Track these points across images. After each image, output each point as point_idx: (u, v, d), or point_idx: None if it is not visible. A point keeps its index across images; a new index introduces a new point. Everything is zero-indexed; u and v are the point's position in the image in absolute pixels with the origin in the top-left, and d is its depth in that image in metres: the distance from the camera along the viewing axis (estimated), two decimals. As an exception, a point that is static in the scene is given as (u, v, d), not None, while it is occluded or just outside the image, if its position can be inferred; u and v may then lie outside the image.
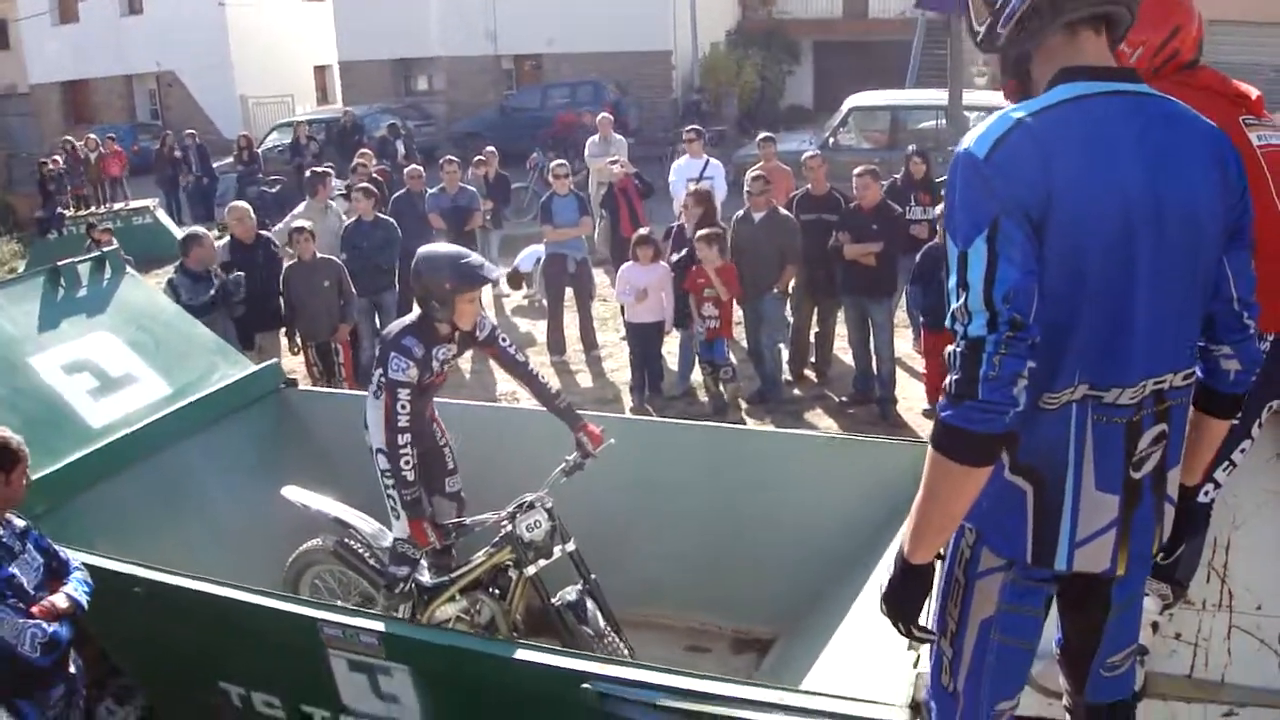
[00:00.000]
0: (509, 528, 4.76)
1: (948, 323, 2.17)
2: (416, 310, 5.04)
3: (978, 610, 2.42)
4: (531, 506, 4.75)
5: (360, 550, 5.22)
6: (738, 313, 9.27)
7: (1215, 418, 2.47)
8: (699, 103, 25.67)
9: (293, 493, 5.36)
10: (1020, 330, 2.06)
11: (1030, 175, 2.09)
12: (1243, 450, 3.13)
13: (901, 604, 2.36)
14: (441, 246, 5.12)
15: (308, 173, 12.19)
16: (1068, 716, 2.74)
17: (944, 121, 16.52)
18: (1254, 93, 3.26)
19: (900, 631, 2.42)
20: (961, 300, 2.12)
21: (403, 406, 4.77)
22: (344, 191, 12.17)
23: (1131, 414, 2.24)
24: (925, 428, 8.66)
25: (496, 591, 4.93)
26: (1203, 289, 2.30)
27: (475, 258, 4.92)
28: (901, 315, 10.03)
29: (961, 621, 2.45)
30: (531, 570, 4.76)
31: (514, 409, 7.40)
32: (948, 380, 2.13)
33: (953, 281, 2.15)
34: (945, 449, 2.14)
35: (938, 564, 2.37)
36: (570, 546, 4.80)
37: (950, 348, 2.15)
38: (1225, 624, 3.32)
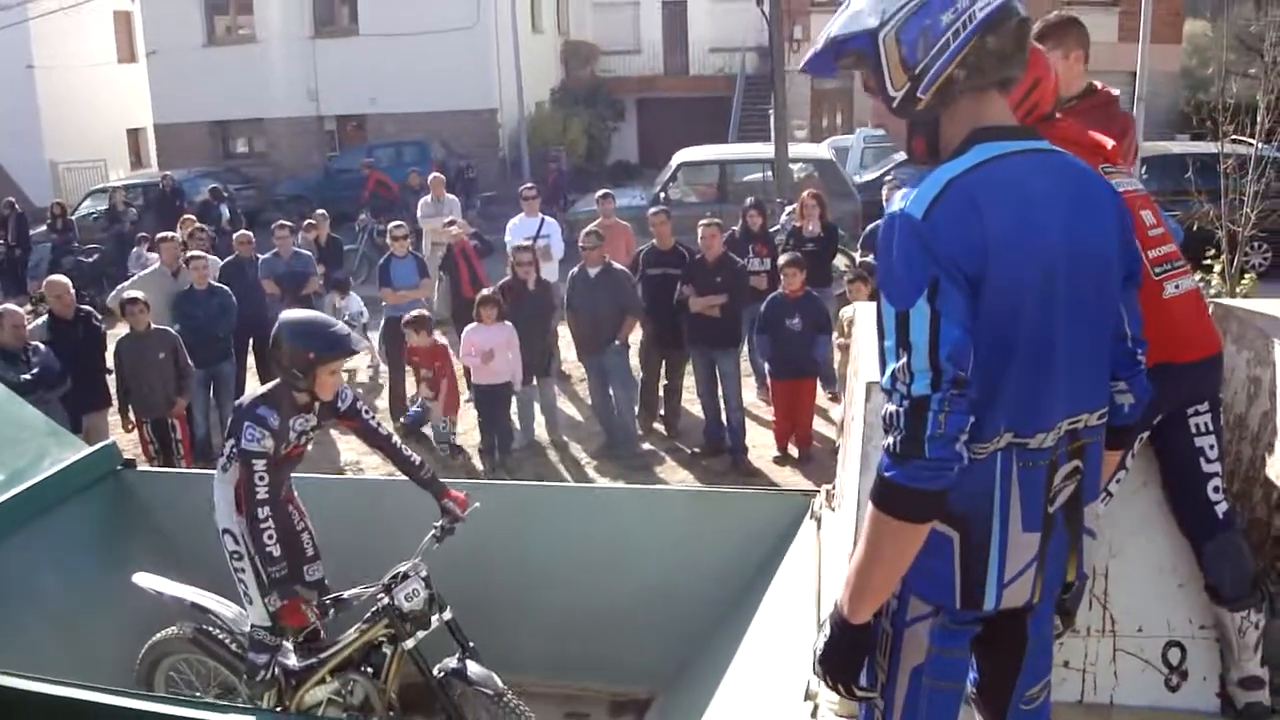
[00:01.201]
0: (385, 600, 4.60)
1: (884, 383, 2.18)
2: (274, 380, 4.85)
3: (908, 659, 2.44)
4: (407, 576, 4.61)
5: (221, 636, 4.97)
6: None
7: (1109, 449, 2.55)
8: (556, 158, 25.56)
9: (144, 579, 5.08)
10: (962, 388, 2.10)
11: (967, 235, 2.14)
12: (1118, 481, 3.28)
13: (841, 665, 2.36)
14: (304, 313, 4.93)
15: (150, 237, 11.69)
16: None
17: (770, 174, 16.93)
18: (1109, 142, 3.44)
19: (840, 693, 2.43)
20: (903, 360, 2.14)
21: (260, 478, 4.54)
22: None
23: (1051, 455, 2.30)
24: (778, 475, 8.81)
25: (370, 670, 4.75)
26: (1109, 331, 2.40)
27: (342, 327, 4.76)
28: (744, 365, 10.18)
29: (891, 672, 2.46)
30: (410, 643, 4.59)
31: (372, 480, 7.21)
32: (890, 440, 2.14)
33: (890, 343, 2.17)
34: (890, 508, 2.16)
35: (872, 621, 2.37)
36: (447, 615, 4.66)
37: (889, 407, 2.16)
38: (1110, 648, 3.44)
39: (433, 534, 4.75)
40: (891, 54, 2.30)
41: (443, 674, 4.58)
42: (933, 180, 2.19)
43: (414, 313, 9.40)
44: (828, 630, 2.37)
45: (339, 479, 7.12)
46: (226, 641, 4.97)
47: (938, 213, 2.15)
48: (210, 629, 4.99)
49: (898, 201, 2.21)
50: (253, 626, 4.79)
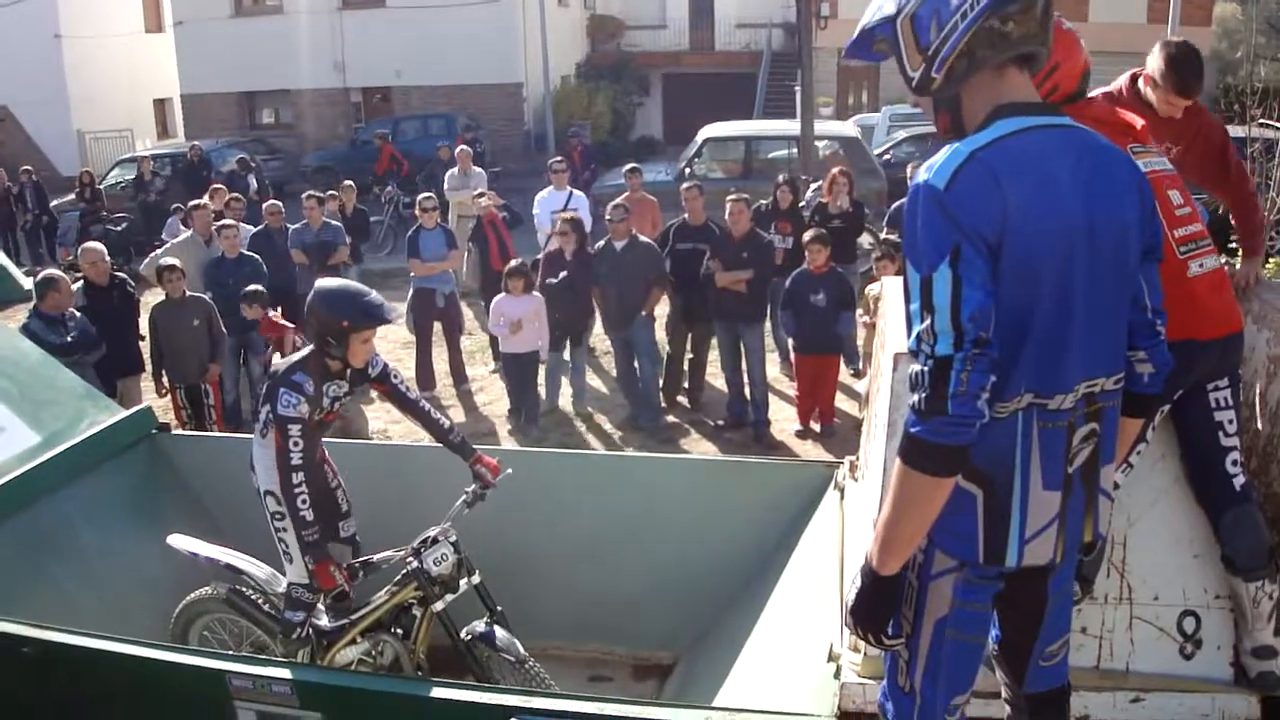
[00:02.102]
0: (414, 564, 4.71)
1: (910, 345, 2.30)
2: (308, 346, 4.95)
3: (932, 611, 2.55)
4: (436, 541, 4.71)
5: (254, 597, 5.09)
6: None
7: (1130, 416, 2.65)
8: (578, 133, 25.39)
9: (179, 541, 5.20)
10: (984, 347, 2.22)
11: (987, 204, 2.25)
12: (1139, 452, 3.36)
13: (870, 615, 2.50)
14: (339, 282, 5.01)
15: (185, 206, 11.78)
16: (1008, 709, 2.88)
17: (795, 151, 16.91)
18: (1138, 122, 3.49)
19: (870, 642, 2.57)
20: (927, 322, 2.26)
21: (295, 444, 4.64)
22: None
23: (1069, 416, 2.41)
24: (800, 449, 8.87)
25: (399, 631, 4.87)
26: (1127, 301, 2.50)
27: (375, 296, 4.84)
28: (768, 340, 10.23)
29: (916, 623, 2.58)
30: (439, 606, 4.70)
31: (403, 446, 7.29)
32: (915, 398, 2.26)
33: (915, 306, 2.30)
34: (916, 462, 2.28)
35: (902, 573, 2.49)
36: (476, 579, 4.77)
37: (914, 367, 2.28)
38: (1127, 616, 3.52)
39: (464, 499, 4.86)
40: (907, 37, 2.44)
41: (470, 637, 4.69)
42: (955, 152, 2.31)
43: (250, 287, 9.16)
44: (858, 582, 2.49)
45: (369, 444, 7.22)
46: (259, 602, 5.08)
47: (959, 183, 2.26)
48: (243, 589, 5.10)
49: (922, 173, 2.33)
50: (290, 584, 4.91)
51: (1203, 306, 3.37)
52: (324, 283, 4.93)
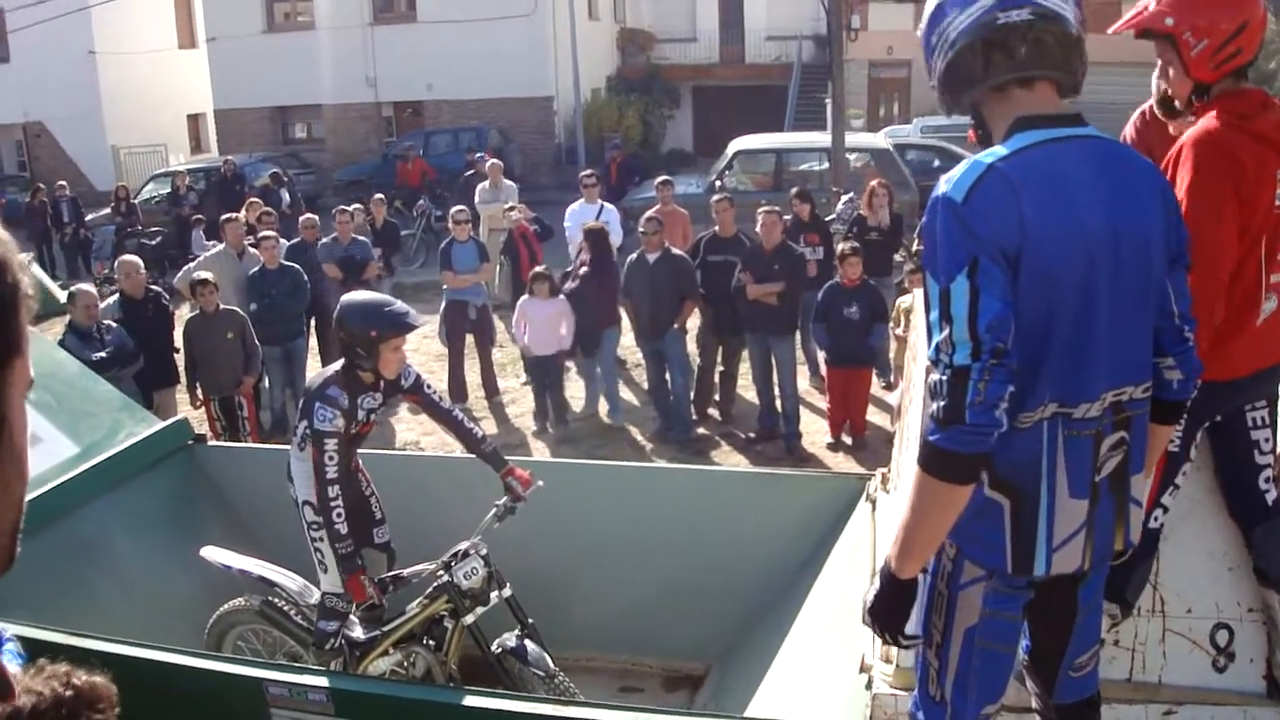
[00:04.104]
0: (445, 577, 4.74)
1: (930, 354, 2.32)
2: (340, 360, 5.00)
3: (962, 619, 2.57)
4: (466, 554, 4.75)
5: (286, 608, 5.15)
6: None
7: (1160, 424, 2.65)
8: (617, 146, 25.26)
9: (212, 553, 5.25)
10: (1002, 358, 2.24)
11: (1005, 217, 2.28)
12: (1184, 474, 3.31)
13: (888, 615, 2.53)
14: (365, 294, 5.09)
15: (220, 219, 11.89)
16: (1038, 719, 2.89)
17: (826, 163, 16.91)
18: None
19: (887, 640, 2.63)
20: (946, 333, 2.28)
21: (330, 458, 4.69)
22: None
23: (1096, 425, 2.42)
24: (831, 461, 8.87)
25: (431, 643, 4.90)
26: (1153, 309, 2.50)
27: (400, 305, 4.89)
28: (798, 353, 10.24)
29: (946, 632, 2.60)
30: (469, 619, 4.74)
31: (436, 457, 7.34)
32: (934, 407, 2.29)
33: (934, 315, 2.32)
34: (934, 470, 2.30)
35: (920, 578, 2.52)
36: (506, 592, 4.80)
37: (934, 376, 2.31)
38: (1160, 628, 3.50)
39: (494, 513, 4.89)
40: (926, 54, 2.54)
41: (500, 650, 4.72)
42: (974, 165, 2.34)
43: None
44: (878, 583, 2.53)
45: (401, 454, 7.27)
46: (292, 614, 5.14)
47: (976, 196, 2.29)
48: (276, 600, 5.15)
49: (941, 185, 2.36)
50: (325, 594, 4.95)
51: (1261, 343, 3.21)
52: (350, 296, 5.00)
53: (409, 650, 4.95)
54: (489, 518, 4.88)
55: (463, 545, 4.78)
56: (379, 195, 14.74)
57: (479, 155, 19.62)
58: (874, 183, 10.98)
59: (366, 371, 4.84)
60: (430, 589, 4.85)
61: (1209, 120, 3.09)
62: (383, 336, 4.72)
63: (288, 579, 5.19)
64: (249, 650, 5.36)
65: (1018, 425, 2.35)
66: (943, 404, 2.27)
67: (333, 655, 4.95)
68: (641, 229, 9.42)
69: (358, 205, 13.88)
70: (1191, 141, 3.04)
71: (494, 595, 4.78)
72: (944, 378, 2.28)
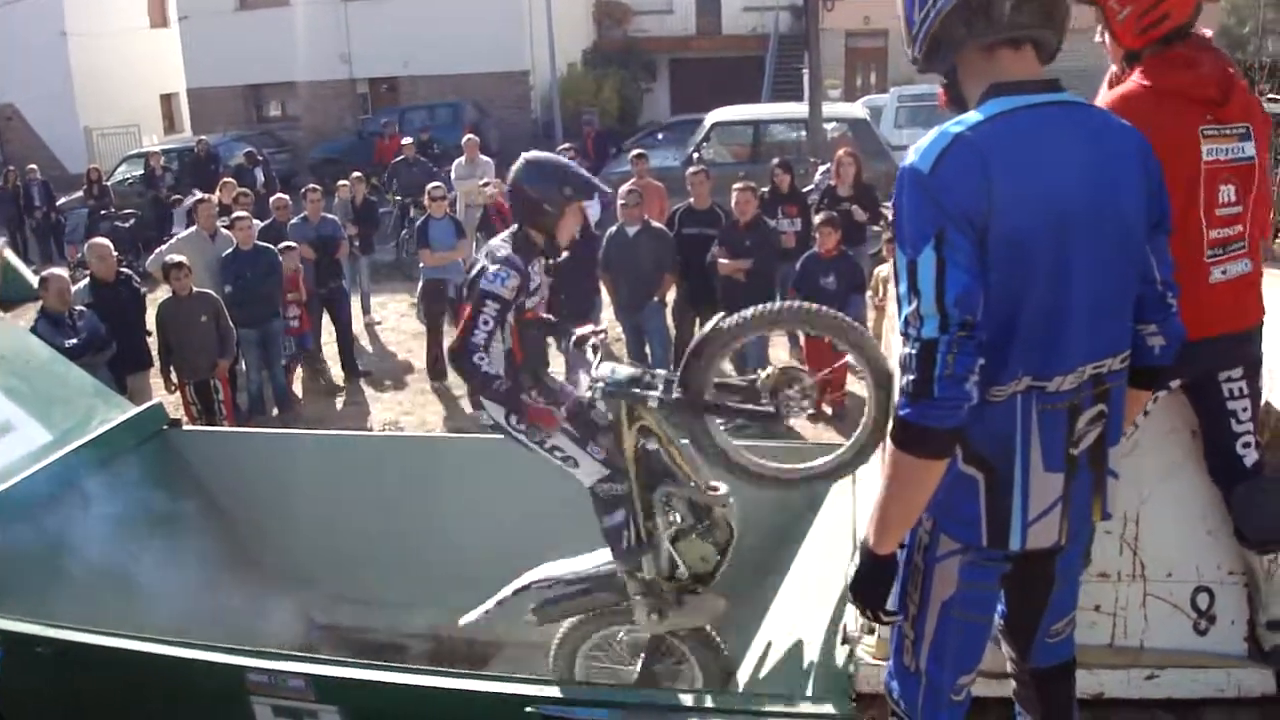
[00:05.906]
0: (593, 385, 4.31)
1: (899, 328, 2.29)
2: (507, 230, 4.60)
3: (938, 592, 2.56)
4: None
5: (553, 593, 4.61)
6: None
7: (1140, 389, 2.65)
8: (590, 121, 24.75)
9: (470, 618, 4.67)
10: (970, 330, 2.21)
11: (972, 187, 2.23)
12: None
13: (869, 592, 2.52)
14: (546, 155, 4.77)
15: (188, 199, 11.79)
16: (1014, 684, 2.90)
17: (804, 134, 16.85)
18: (1227, 99, 3.17)
19: (868, 617, 2.60)
20: (914, 306, 2.26)
21: (485, 321, 4.20)
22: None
23: (1072, 398, 2.40)
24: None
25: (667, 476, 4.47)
26: (1135, 278, 2.48)
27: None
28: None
29: (922, 604, 2.59)
30: (653, 403, 4.26)
31: (436, 437, 7.22)
32: (904, 381, 2.27)
33: (903, 288, 2.30)
34: (906, 445, 2.29)
35: (898, 552, 2.51)
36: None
37: (904, 350, 2.28)
38: (1140, 593, 3.50)
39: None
40: (904, 17, 2.48)
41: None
42: (941, 135, 2.30)
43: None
44: (857, 560, 2.52)
45: (381, 436, 7.21)
46: (573, 590, 4.62)
47: (943, 166, 2.25)
48: (539, 594, 4.63)
49: (910, 155, 2.32)
50: (593, 486, 4.46)
51: (1218, 311, 3.21)
52: (534, 155, 4.64)
53: (664, 492, 4.45)
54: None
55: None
56: (356, 174, 14.64)
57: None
58: (840, 151, 10.94)
59: (542, 232, 4.46)
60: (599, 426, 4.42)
61: (1128, 84, 3.18)
62: (574, 197, 4.43)
63: (546, 571, 4.65)
64: (605, 659, 4.79)
65: (991, 399, 2.33)
66: (912, 378, 2.25)
67: (640, 553, 4.37)
68: (621, 201, 9.37)
69: (343, 182, 13.86)
70: (1107, 107, 3.05)
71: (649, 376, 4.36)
72: (913, 351, 2.26)
